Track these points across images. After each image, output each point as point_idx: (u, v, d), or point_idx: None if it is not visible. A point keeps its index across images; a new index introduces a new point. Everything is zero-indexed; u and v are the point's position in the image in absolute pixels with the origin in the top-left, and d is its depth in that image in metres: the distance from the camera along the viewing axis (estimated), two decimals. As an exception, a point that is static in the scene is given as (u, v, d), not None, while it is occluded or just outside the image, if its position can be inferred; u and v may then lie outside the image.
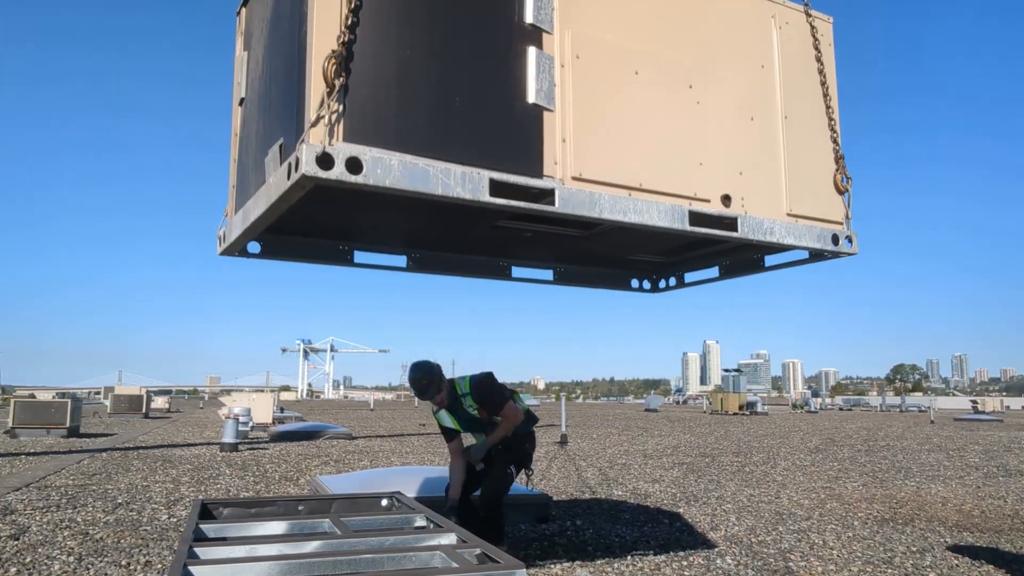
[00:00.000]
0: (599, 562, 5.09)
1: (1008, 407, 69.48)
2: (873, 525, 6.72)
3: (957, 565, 5.24)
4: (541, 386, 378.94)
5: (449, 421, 4.66)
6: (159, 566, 4.84)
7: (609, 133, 2.61)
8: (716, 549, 5.60)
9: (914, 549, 5.71)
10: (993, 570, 5.13)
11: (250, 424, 17.91)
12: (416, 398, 5.21)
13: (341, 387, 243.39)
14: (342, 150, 2.08)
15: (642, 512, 7.22)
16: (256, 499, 3.49)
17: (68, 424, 16.41)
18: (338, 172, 2.06)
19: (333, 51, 2.11)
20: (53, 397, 19.04)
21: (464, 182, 2.27)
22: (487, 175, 2.32)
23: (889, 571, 5.06)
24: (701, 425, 26.42)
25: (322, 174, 2.04)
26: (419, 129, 2.27)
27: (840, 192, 3.26)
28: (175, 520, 6.46)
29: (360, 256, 3.61)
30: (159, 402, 40.45)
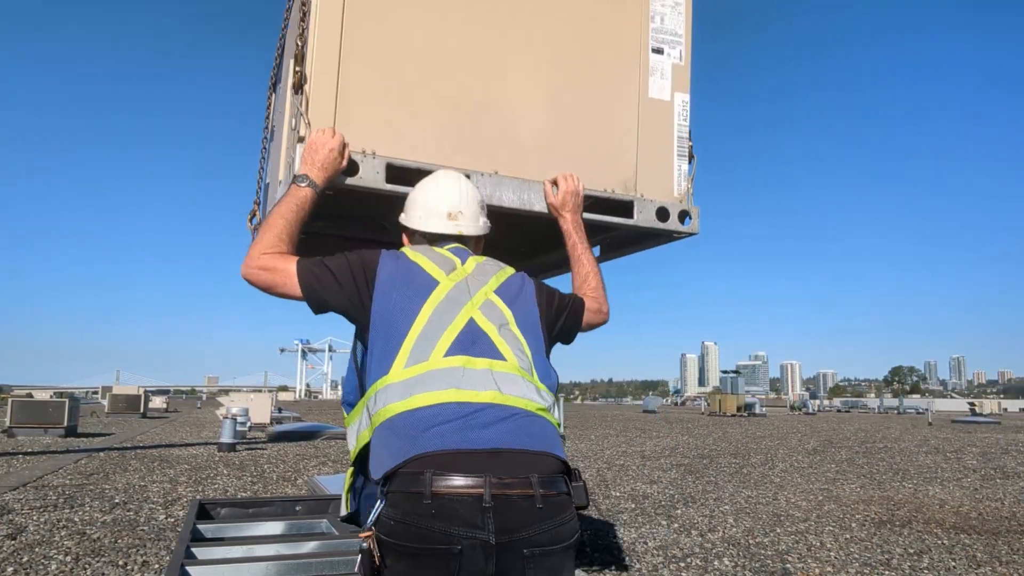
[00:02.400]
0: (597, 563, 5.09)
1: (1006, 409, 69.56)
2: (871, 527, 6.72)
3: (954, 567, 5.25)
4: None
5: None
6: (156, 566, 4.83)
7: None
8: (714, 550, 5.60)
9: (911, 551, 5.72)
10: (990, 572, 5.13)
11: (248, 424, 17.87)
12: None
13: (339, 387, 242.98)
14: None
15: (640, 513, 7.22)
16: (254, 499, 3.49)
17: (65, 424, 16.38)
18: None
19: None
20: (51, 396, 19.01)
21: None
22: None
23: (886, 573, 5.06)
24: (699, 426, 26.43)
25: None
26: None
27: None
28: (172, 520, 6.45)
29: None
30: (157, 402, 40.38)
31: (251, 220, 3.69)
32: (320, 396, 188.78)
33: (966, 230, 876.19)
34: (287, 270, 1.75)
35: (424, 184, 2.01)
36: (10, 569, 4.68)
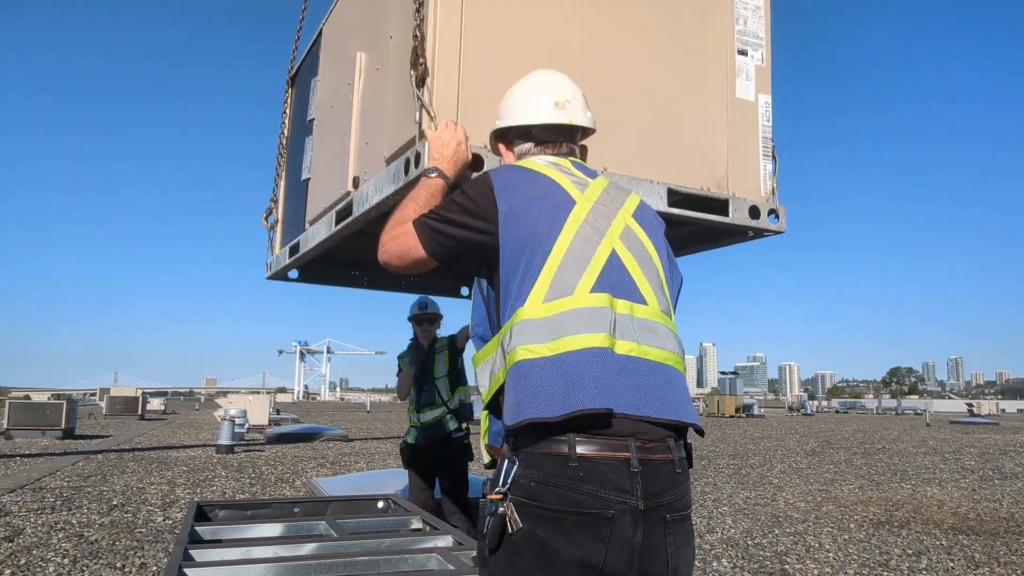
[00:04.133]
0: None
1: (1003, 410, 69.63)
2: (869, 528, 6.73)
3: (952, 568, 5.25)
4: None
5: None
6: (154, 568, 4.82)
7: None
8: (712, 552, 5.60)
9: (910, 552, 5.72)
10: (988, 572, 5.13)
11: (246, 426, 17.85)
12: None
13: (337, 389, 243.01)
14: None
15: (638, 514, 7.21)
16: (252, 501, 3.48)
17: (63, 425, 16.34)
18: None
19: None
20: (48, 398, 18.97)
21: None
22: None
23: (885, 574, 5.06)
24: (697, 427, 26.41)
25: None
26: None
27: None
28: (170, 522, 6.44)
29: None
30: (155, 403, 40.31)
31: (267, 218, 3.65)
32: (318, 397, 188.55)
33: (965, 231, 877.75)
34: (409, 230, 1.60)
35: (520, 82, 1.83)
36: (8, 572, 4.67)
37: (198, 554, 2.32)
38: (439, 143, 1.84)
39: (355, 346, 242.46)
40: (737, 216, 2.48)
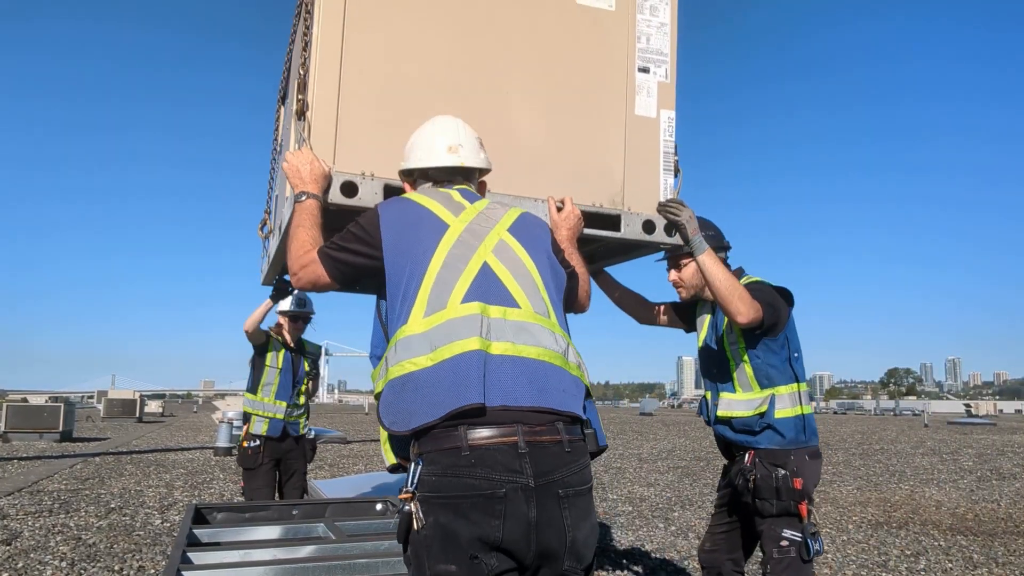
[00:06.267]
0: (594, 567, 5.09)
1: (1001, 411, 69.74)
2: (867, 529, 6.73)
3: (951, 568, 5.26)
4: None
5: None
6: (152, 571, 4.82)
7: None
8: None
9: (908, 552, 5.73)
10: (986, 573, 5.14)
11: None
12: None
13: (336, 391, 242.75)
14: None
15: (637, 516, 7.22)
16: (250, 503, 3.48)
17: (61, 428, 16.33)
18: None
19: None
20: (46, 401, 18.92)
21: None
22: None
23: (883, 574, 5.07)
24: (696, 429, 26.43)
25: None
26: None
27: None
28: (168, 525, 6.43)
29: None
30: (153, 406, 40.20)
31: (262, 228, 3.74)
32: (316, 400, 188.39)
33: (963, 231, 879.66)
34: (316, 260, 1.82)
35: (421, 127, 2.04)
36: (5, 575, 4.66)
37: (196, 557, 2.32)
38: (293, 170, 2.04)
39: (353, 348, 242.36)
40: (629, 231, 2.54)
